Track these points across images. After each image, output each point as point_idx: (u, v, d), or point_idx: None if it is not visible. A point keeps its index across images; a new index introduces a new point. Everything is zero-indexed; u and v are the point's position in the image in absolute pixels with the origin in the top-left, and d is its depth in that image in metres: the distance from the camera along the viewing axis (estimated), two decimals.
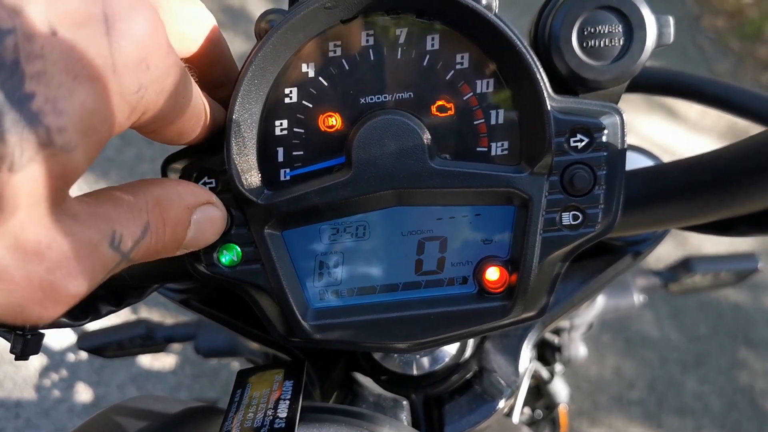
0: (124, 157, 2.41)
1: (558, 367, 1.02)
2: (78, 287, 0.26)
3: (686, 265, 0.97)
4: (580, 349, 0.99)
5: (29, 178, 0.22)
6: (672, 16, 0.40)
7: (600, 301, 0.96)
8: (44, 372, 1.96)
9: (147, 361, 2.04)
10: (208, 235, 0.36)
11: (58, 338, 1.98)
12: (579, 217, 0.40)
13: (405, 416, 0.55)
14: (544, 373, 0.99)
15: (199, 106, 0.34)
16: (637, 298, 0.98)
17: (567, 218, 0.40)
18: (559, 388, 1.02)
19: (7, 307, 0.24)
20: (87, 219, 0.26)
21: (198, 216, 0.34)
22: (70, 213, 0.25)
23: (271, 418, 0.39)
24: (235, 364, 2.03)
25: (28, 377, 1.95)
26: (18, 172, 0.22)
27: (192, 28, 0.35)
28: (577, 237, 0.40)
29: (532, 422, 1.10)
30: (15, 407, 1.90)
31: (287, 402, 0.41)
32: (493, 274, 0.42)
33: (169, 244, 0.32)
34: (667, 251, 2.44)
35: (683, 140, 2.97)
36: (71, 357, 1.99)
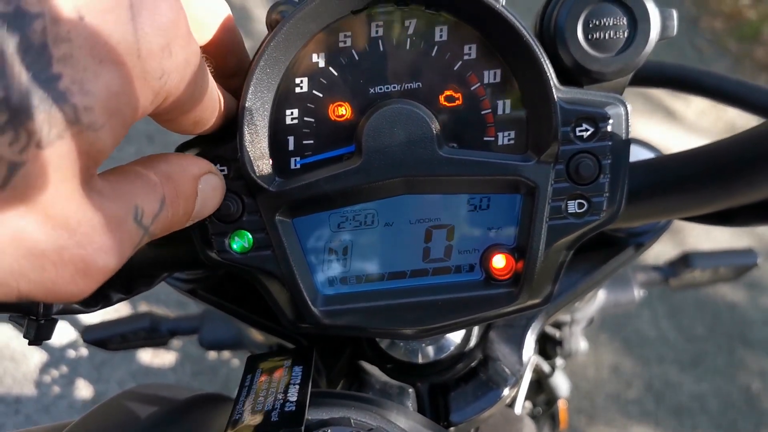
0: (124, 155, 2.42)
1: (559, 361, 1.02)
2: (108, 262, 0.26)
3: (686, 260, 0.97)
4: (580, 343, 1.00)
5: (57, 154, 0.23)
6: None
7: (601, 296, 0.96)
8: (44, 368, 1.96)
9: (147, 357, 2.04)
10: (211, 204, 0.37)
11: (58, 334, 1.98)
12: (584, 206, 0.40)
13: (411, 404, 0.55)
14: (546, 366, 1.00)
15: (214, 95, 0.34)
16: (638, 292, 0.99)
17: (572, 206, 0.40)
18: (560, 382, 1.02)
19: (39, 283, 0.24)
20: (111, 194, 0.27)
21: (202, 185, 0.35)
22: (96, 190, 0.26)
23: (281, 401, 0.40)
24: (235, 361, 2.03)
25: (28, 373, 1.95)
26: (46, 148, 0.23)
27: (209, 16, 0.35)
28: (582, 225, 0.41)
29: (531, 417, 1.11)
30: (15, 403, 1.90)
31: (297, 386, 0.42)
32: (499, 261, 0.42)
33: (181, 217, 0.33)
34: (665, 251, 2.45)
35: (681, 141, 2.98)
36: (71, 353, 2.00)
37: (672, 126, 3.08)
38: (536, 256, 0.41)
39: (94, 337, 1.05)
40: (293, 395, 0.41)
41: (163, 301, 2.09)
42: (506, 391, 0.55)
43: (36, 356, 1.97)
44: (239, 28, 0.39)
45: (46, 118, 0.22)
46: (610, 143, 0.39)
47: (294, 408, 0.39)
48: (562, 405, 1.10)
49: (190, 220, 0.35)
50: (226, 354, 1.99)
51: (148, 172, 0.31)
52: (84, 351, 2.00)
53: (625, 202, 0.41)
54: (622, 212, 0.41)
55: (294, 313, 0.43)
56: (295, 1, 0.39)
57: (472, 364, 0.58)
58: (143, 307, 2.05)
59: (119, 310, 1.94)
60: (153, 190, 0.30)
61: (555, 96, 0.38)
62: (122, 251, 0.27)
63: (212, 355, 2.03)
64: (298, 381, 0.42)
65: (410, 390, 0.56)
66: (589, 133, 0.39)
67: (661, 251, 2.42)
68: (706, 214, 0.45)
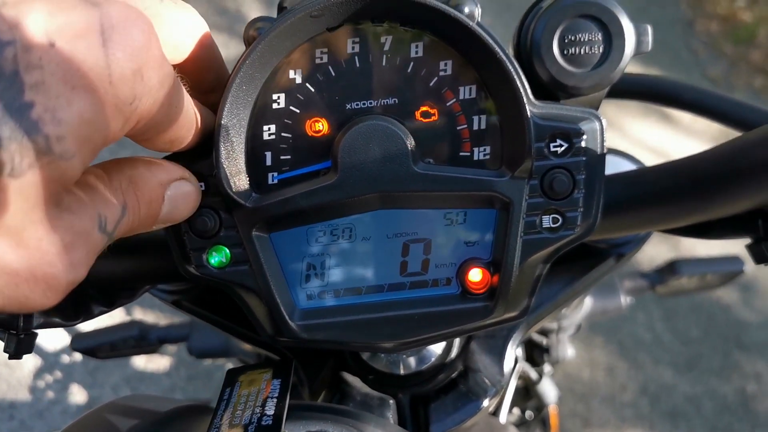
0: None
1: (546, 368, 1.03)
2: (76, 275, 0.27)
3: (672, 267, 0.98)
4: (568, 350, 1.00)
5: (29, 183, 0.23)
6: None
7: (587, 303, 0.97)
8: (38, 373, 1.96)
9: (141, 363, 2.04)
10: (182, 210, 0.37)
11: (53, 340, 1.98)
12: (559, 220, 0.41)
13: (391, 415, 0.55)
14: (533, 374, 1.00)
15: (191, 114, 0.34)
16: (624, 300, 0.99)
17: (547, 221, 0.41)
18: (548, 389, 1.03)
19: (13, 298, 0.26)
20: (79, 209, 0.27)
21: (171, 192, 0.35)
22: (65, 208, 0.27)
23: (258, 415, 0.40)
24: (229, 366, 2.03)
25: (22, 379, 1.95)
26: (18, 178, 0.23)
27: (184, 35, 0.35)
28: (557, 239, 0.41)
29: (522, 423, 1.11)
30: (9, 409, 1.90)
31: (275, 400, 0.42)
32: (475, 275, 0.43)
33: (144, 221, 0.33)
34: (659, 254, 2.45)
35: (675, 144, 2.99)
36: (65, 359, 2.00)
37: (667, 129, 3.08)
38: (511, 270, 0.41)
39: (82, 345, 1.05)
40: (271, 408, 0.41)
41: (158, 305, 2.09)
42: (486, 402, 0.55)
43: (30, 362, 1.97)
44: (234, 32, 0.39)
45: (18, 148, 0.23)
46: (584, 158, 0.40)
47: (271, 422, 0.39)
48: (552, 410, 1.11)
49: (156, 223, 0.35)
50: (220, 359, 1.99)
51: (110, 178, 0.31)
52: (78, 356, 2.00)
53: (600, 216, 0.41)
54: (597, 226, 0.41)
55: (272, 326, 0.44)
56: (273, 18, 0.39)
57: (453, 375, 0.58)
58: (137, 313, 2.05)
59: (113, 316, 1.94)
60: (114, 196, 0.30)
61: (528, 112, 0.38)
62: (88, 262, 0.28)
63: (207, 360, 2.04)
64: (277, 394, 0.43)
65: (391, 401, 0.56)
66: (563, 148, 0.39)
67: (656, 254, 2.43)
68: (683, 226, 0.45)
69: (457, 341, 0.59)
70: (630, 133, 2.93)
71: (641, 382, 2.29)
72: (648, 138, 2.96)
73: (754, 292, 2.56)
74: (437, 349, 0.57)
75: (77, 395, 1.96)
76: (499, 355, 0.58)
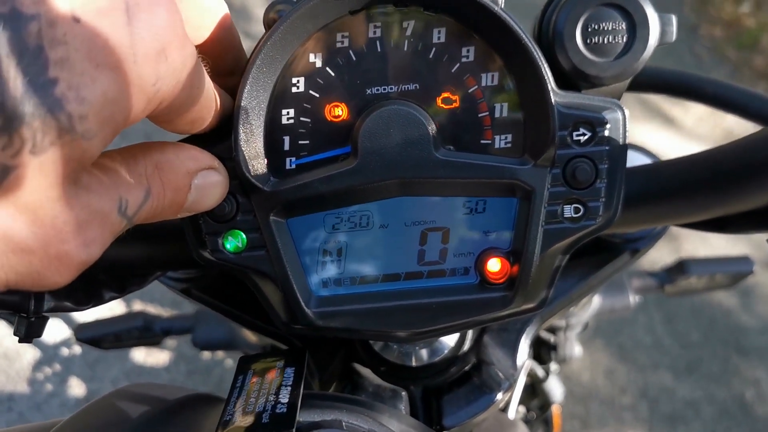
0: None
1: (553, 366, 1.02)
2: (90, 254, 0.27)
3: (682, 267, 0.97)
4: (575, 349, 1.00)
5: (49, 160, 0.23)
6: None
7: (596, 301, 0.96)
8: (37, 366, 1.96)
9: (141, 357, 2.04)
10: (209, 200, 0.36)
11: (52, 332, 1.98)
12: (580, 210, 0.40)
13: (403, 407, 0.55)
14: (540, 371, 1.00)
15: (211, 95, 0.34)
16: (633, 298, 0.99)
17: (569, 211, 0.40)
18: (554, 387, 1.02)
19: (26, 275, 0.25)
20: (98, 188, 0.27)
21: (199, 181, 0.34)
22: (83, 186, 0.26)
23: (272, 403, 0.40)
24: (229, 362, 2.03)
25: (21, 371, 1.95)
26: (38, 155, 0.23)
27: (206, 15, 0.35)
28: (579, 229, 0.40)
29: (525, 421, 1.11)
30: (8, 401, 1.90)
31: (289, 388, 0.41)
32: (494, 265, 0.42)
33: (168, 208, 0.32)
34: (661, 257, 2.45)
35: (679, 148, 2.99)
36: (65, 351, 1.99)
37: (670, 132, 3.09)
38: (531, 260, 0.41)
39: (87, 335, 1.05)
40: (285, 397, 0.40)
41: (158, 300, 2.08)
42: (499, 396, 0.55)
43: (29, 354, 1.96)
44: (238, 29, 0.39)
45: (41, 125, 0.22)
46: (607, 148, 0.39)
47: (285, 410, 0.39)
48: (555, 410, 1.10)
49: (181, 211, 0.34)
50: (220, 354, 1.99)
51: (136, 162, 0.30)
52: (77, 349, 2.00)
53: (621, 207, 0.41)
54: (618, 217, 0.41)
55: (287, 314, 0.43)
56: (293, 1, 0.38)
57: (466, 368, 0.58)
58: (137, 306, 2.04)
59: (113, 309, 1.94)
60: (138, 180, 0.30)
61: (552, 100, 0.38)
62: (104, 242, 0.28)
63: (206, 355, 2.03)
64: (290, 382, 0.42)
65: (403, 393, 0.56)
66: (586, 137, 0.39)
67: (657, 257, 2.43)
68: (702, 220, 0.45)
69: (470, 334, 0.58)
70: (632, 136, 2.93)
71: (641, 385, 2.29)
72: (650, 142, 2.96)
73: (754, 297, 2.56)
74: (450, 341, 0.57)
75: (76, 388, 1.96)
76: (513, 349, 0.57)
